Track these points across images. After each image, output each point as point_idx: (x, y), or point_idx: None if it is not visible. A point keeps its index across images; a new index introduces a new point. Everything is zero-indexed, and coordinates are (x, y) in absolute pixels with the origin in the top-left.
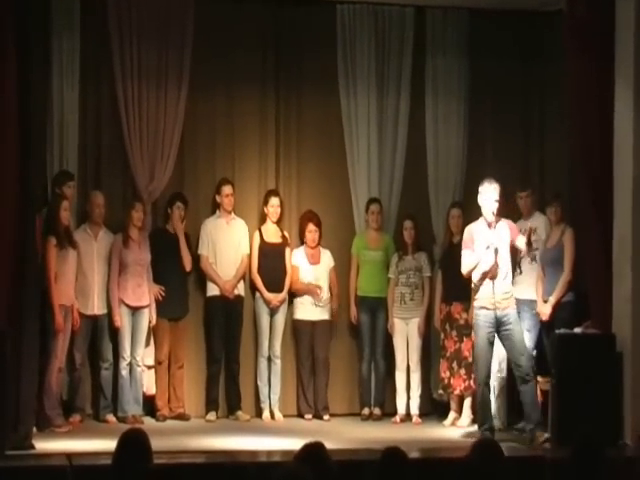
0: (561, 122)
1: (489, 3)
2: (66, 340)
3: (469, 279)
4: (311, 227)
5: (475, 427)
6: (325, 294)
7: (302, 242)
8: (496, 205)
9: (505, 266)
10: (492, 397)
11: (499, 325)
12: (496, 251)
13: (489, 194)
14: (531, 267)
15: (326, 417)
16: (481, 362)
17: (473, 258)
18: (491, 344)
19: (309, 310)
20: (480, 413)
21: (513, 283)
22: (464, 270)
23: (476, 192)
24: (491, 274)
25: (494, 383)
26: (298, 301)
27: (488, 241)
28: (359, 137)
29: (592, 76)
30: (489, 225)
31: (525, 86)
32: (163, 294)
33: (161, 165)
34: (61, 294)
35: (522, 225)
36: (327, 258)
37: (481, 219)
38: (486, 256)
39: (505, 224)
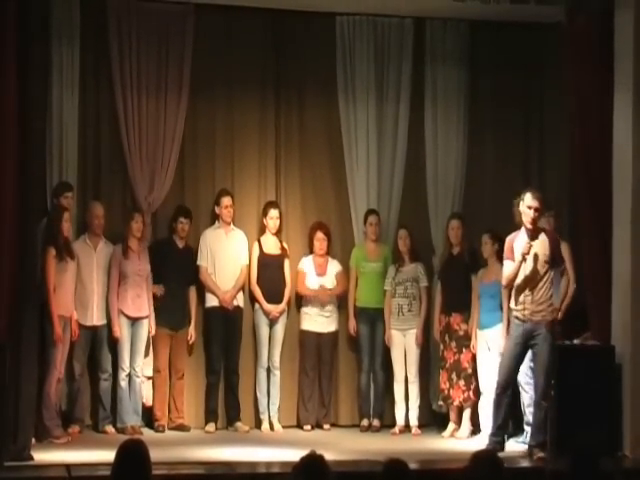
0: (560, 132)
1: (488, 14)
2: (65, 351)
3: (469, 290)
4: (319, 235)
5: (475, 438)
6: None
7: (311, 251)
8: (536, 214)
9: (538, 282)
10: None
11: (530, 338)
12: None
13: (529, 203)
14: None
15: (326, 426)
16: (501, 370)
17: (513, 267)
18: (517, 355)
19: (316, 321)
20: (494, 419)
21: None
22: (504, 281)
23: (475, 202)
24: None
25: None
26: (304, 312)
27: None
28: (358, 148)
29: (591, 86)
30: (530, 235)
31: (524, 96)
32: (162, 293)
33: (161, 176)
34: (60, 305)
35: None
36: (334, 267)
37: (523, 229)
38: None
39: (546, 239)
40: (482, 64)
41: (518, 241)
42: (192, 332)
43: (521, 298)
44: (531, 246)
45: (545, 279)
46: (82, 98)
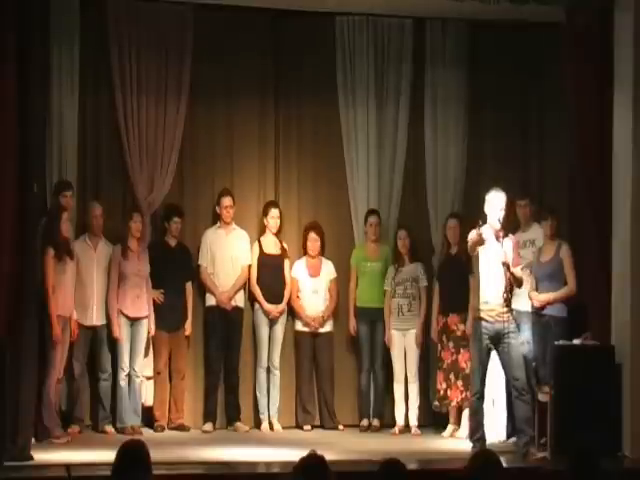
0: (560, 133)
1: (488, 14)
2: (65, 351)
3: (467, 290)
4: (312, 236)
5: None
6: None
7: (305, 252)
8: (502, 214)
9: (502, 282)
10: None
11: (498, 339)
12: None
13: (495, 202)
14: (528, 279)
15: (340, 427)
16: (476, 374)
17: (477, 237)
18: (487, 356)
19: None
20: (471, 424)
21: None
22: (470, 242)
23: (475, 203)
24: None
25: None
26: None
27: (493, 253)
28: (358, 148)
29: (591, 86)
30: (496, 236)
31: (524, 96)
32: (162, 299)
33: (160, 176)
34: (59, 305)
35: (520, 237)
36: (328, 269)
37: (487, 226)
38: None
39: (510, 242)
40: (482, 64)
41: (486, 235)
42: (187, 327)
43: (489, 299)
44: (480, 234)
45: (506, 285)
46: (82, 98)
